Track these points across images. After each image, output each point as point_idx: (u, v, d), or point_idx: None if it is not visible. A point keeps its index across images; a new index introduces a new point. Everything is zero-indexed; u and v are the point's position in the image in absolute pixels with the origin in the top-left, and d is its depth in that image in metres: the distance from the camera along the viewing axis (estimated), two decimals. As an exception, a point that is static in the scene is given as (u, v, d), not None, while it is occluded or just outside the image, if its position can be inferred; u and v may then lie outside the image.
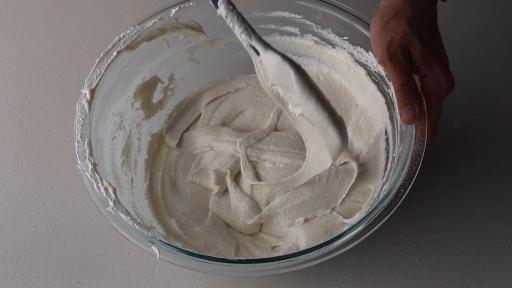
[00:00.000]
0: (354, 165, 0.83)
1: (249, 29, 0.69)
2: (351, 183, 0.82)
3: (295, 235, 0.80)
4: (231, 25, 0.68)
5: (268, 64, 0.70)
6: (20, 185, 0.90)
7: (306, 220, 0.80)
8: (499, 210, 0.86)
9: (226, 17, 0.68)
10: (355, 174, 0.82)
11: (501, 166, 0.89)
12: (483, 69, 0.99)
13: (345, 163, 0.84)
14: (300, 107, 0.70)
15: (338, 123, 0.68)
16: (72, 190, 0.89)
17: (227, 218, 0.84)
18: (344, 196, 0.82)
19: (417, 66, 0.73)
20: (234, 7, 0.68)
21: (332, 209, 0.81)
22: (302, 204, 0.81)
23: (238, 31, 0.69)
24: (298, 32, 0.89)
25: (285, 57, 0.68)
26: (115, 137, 0.83)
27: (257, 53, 0.69)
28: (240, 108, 0.93)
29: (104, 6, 1.11)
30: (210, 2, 0.69)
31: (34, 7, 1.12)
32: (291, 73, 0.67)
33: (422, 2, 0.76)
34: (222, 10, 0.68)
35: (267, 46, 0.69)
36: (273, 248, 0.82)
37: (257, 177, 0.85)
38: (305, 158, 0.78)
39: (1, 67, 1.04)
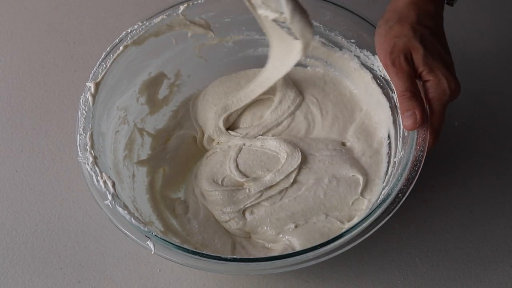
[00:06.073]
0: (360, 180, 0.80)
1: None
2: (354, 198, 0.79)
3: (287, 239, 0.79)
4: None
5: None
6: (20, 185, 0.90)
7: (297, 226, 0.79)
8: (499, 210, 0.86)
9: None
10: (360, 189, 0.80)
11: (501, 166, 0.89)
12: (483, 69, 0.99)
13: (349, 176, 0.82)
14: (276, 13, 0.70)
15: (306, 14, 0.71)
16: (73, 190, 0.89)
17: (212, 210, 0.83)
18: (346, 209, 0.79)
19: (420, 71, 0.73)
20: None
21: (328, 215, 0.79)
22: (291, 216, 0.79)
23: None
24: None
25: None
26: (118, 131, 0.83)
27: None
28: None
29: (105, 6, 1.11)
30: None
31: (35, 7, 1.12)
32: None
33: (427, 7, 0.76)
34: None
35: None
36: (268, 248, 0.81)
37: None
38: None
39: (1, 67, 1.04)
